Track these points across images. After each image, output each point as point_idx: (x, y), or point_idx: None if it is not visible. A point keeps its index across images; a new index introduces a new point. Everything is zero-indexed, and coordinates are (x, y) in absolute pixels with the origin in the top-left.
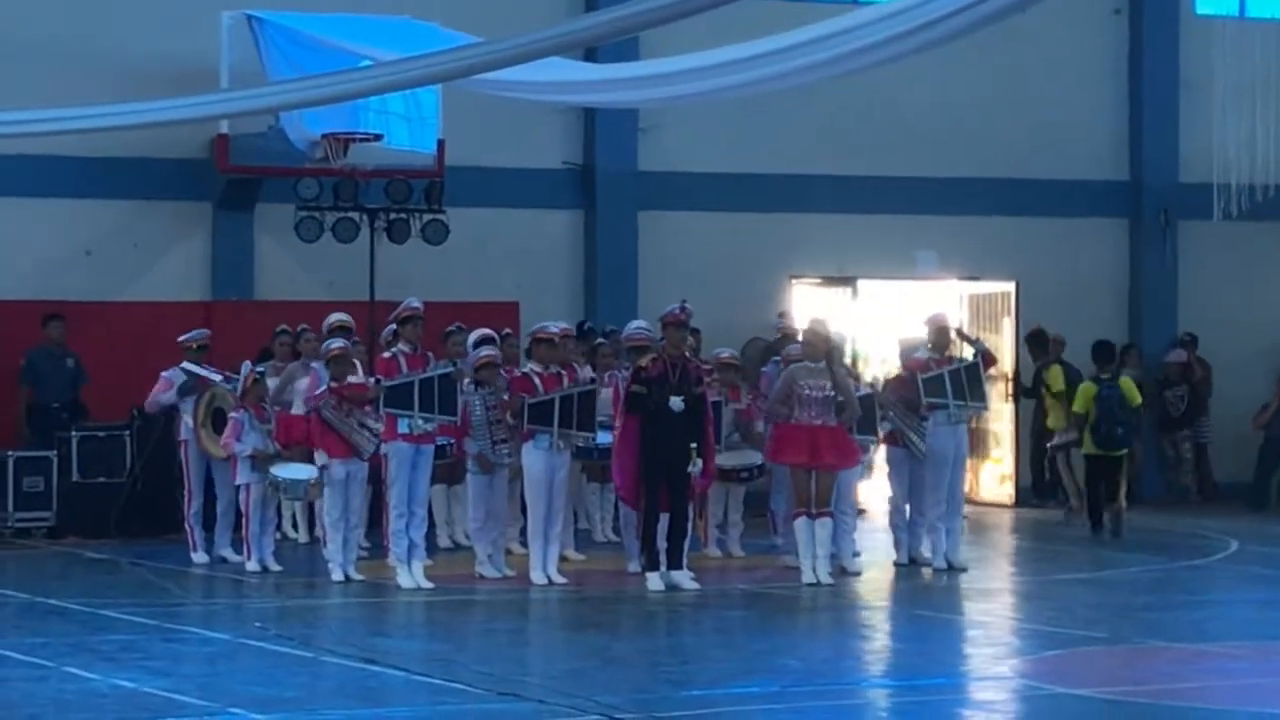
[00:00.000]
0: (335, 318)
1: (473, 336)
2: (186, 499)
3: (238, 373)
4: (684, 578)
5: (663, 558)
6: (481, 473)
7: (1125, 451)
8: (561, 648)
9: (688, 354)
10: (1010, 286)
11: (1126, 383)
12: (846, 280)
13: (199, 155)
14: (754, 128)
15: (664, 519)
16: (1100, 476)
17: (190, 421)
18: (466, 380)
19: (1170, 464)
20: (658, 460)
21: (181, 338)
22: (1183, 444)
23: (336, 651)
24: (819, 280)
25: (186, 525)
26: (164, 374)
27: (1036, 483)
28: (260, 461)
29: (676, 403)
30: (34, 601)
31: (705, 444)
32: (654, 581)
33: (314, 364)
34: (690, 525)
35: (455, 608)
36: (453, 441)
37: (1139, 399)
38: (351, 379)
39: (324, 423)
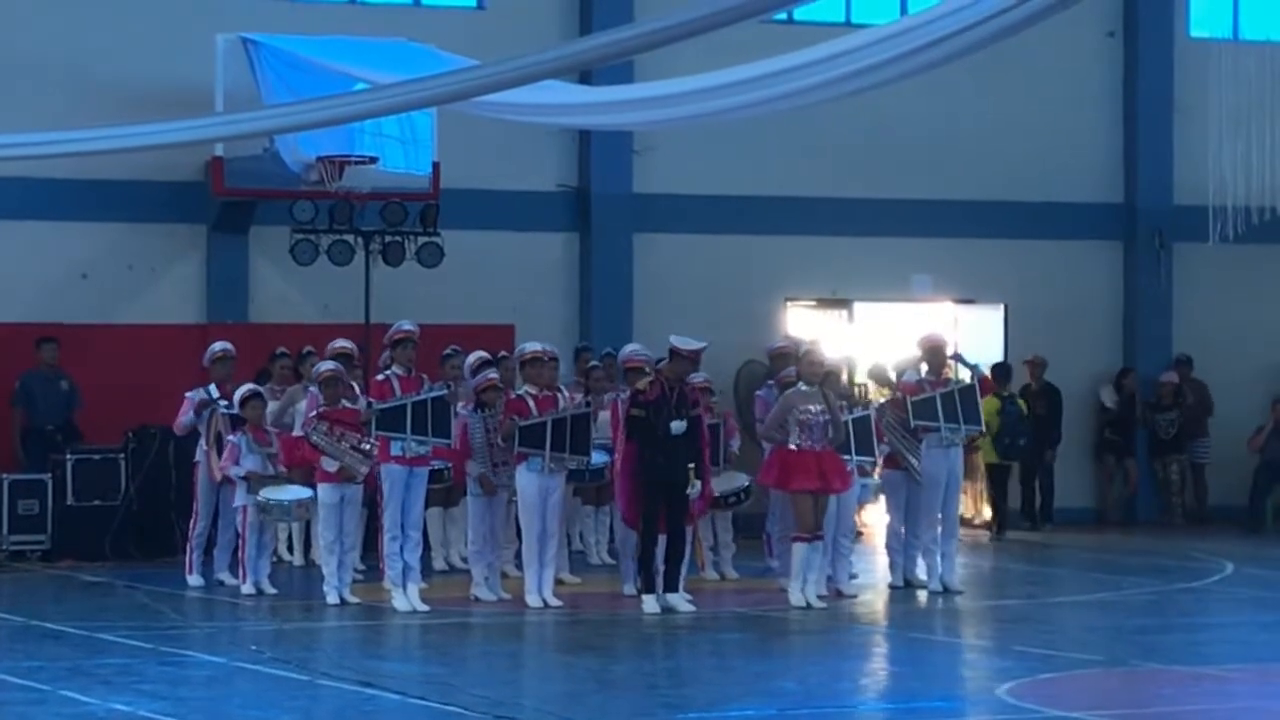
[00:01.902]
0: (338, 344)
1: (470, 359)
2: (193, 520)
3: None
4: (680, 600)
5: (659, 580)
6: (484, 494)
7: (1019, 460)
8: (558, 671)
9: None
10: (999, 310)
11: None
12: (842, 303)
13: (194, 178)
14: (749, 150)
15: (661, 541)
16: (998, 482)
17: (204, 444)
18: (463, 404)
19: (1161, 486)
20: (657, 483)
21: (204, 359)
22: (1170, 466)
23: (333, 675)
24: (814, 302)
25: (188, 546)
26: (187, 395)
27: (1025, 506)
28: (254, 484)
29: (679, 425)
30: (29, 625)
31: (702, 466)
32: (650, 604)
33: (314, 387)
34: (689, 549)
35: (451, 631)
36: (449, 465)
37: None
38: (345, 404)
39: (315, 448)
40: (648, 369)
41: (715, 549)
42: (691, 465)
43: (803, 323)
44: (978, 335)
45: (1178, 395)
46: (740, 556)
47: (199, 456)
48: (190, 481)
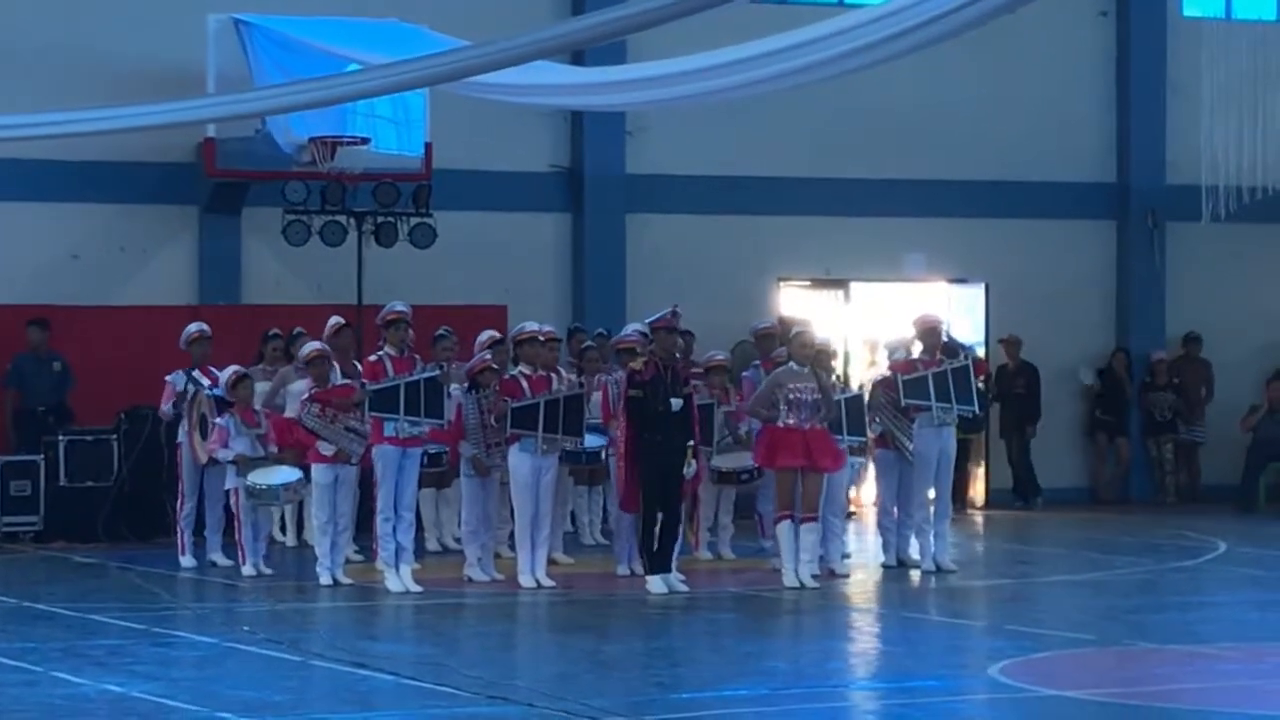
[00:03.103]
0: (335, 321)
1: (481, 337)
2: (179, 502)
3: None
4: (674, 580)
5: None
6: (477, 476)
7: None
8: (551, 651)
9: (677, 356)
10: (980, 289)
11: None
12: (839, 283)
13: (186, 159)
14: (741, 131)
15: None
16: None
17: (186, 425)
18: (453, 384)
19: (1154, 466)
20: (655, 463)
21: (181, 341)
22: (1165, 446)
23: (326, 655)
24: (809, 282)
25: (177, 528)
26: (168, 378)
27: (1016, 485)
28: (243, 466)
29: (676, 402)
30: (22, 606)
31: (696, 445)
32: (656, 584)
33: None
34: (681, 528)
35: (444, 611)
36: (448, 450)
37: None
38: (346, 380)
39: (309, 432)
40: (639, 349)
41: (714, 529)
42: (690, 444)
43: (798, 303)
44: (972, 315)
45: (1172, 374)
46: (735, 537)
47: (181, 438)
48: (179, 463)
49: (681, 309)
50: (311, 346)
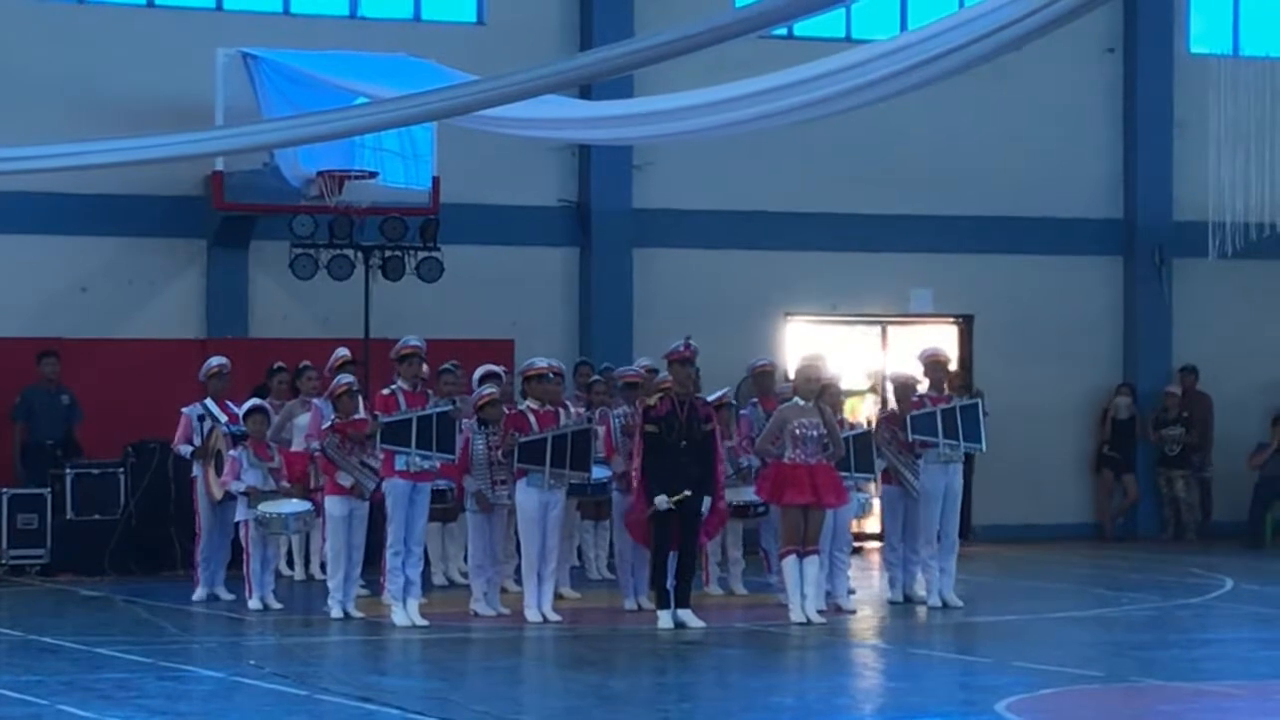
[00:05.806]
0: (341, 353)
1: (478, 373)
2: (196, 538)
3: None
4: (690, 616)
5: (671, 596)
6: (480, 511)
7: None
8: (557, 686)
9: (695, 390)
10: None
11: None
12: (875, 320)
13: (194, 192)
14: (749, 165)
15: (672, 557)
16: None
17: (201, 461)
18: (463, 419)
19: (1165, 501)
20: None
21: (200, 374)
22: (1176, 482)
23: (332, 690)
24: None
25: (195, 563)
26: (184, 410)
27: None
28: (253, 498)
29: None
30: (28, 639)
31: (715, 482)
32: (665, 619)
33: (315, 400)
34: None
35: (451, 646)
36: (454, 486)
37: None
38: (356, 416)
39: (329, 460)
40: (641, 383)
41: (724, 564)
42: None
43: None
44: (980, 349)
45: (1182, 409)
46: (743, 572)
47: (196, 472)
48: (190, 497)
49: (695, 341)
50: (343, 379)
